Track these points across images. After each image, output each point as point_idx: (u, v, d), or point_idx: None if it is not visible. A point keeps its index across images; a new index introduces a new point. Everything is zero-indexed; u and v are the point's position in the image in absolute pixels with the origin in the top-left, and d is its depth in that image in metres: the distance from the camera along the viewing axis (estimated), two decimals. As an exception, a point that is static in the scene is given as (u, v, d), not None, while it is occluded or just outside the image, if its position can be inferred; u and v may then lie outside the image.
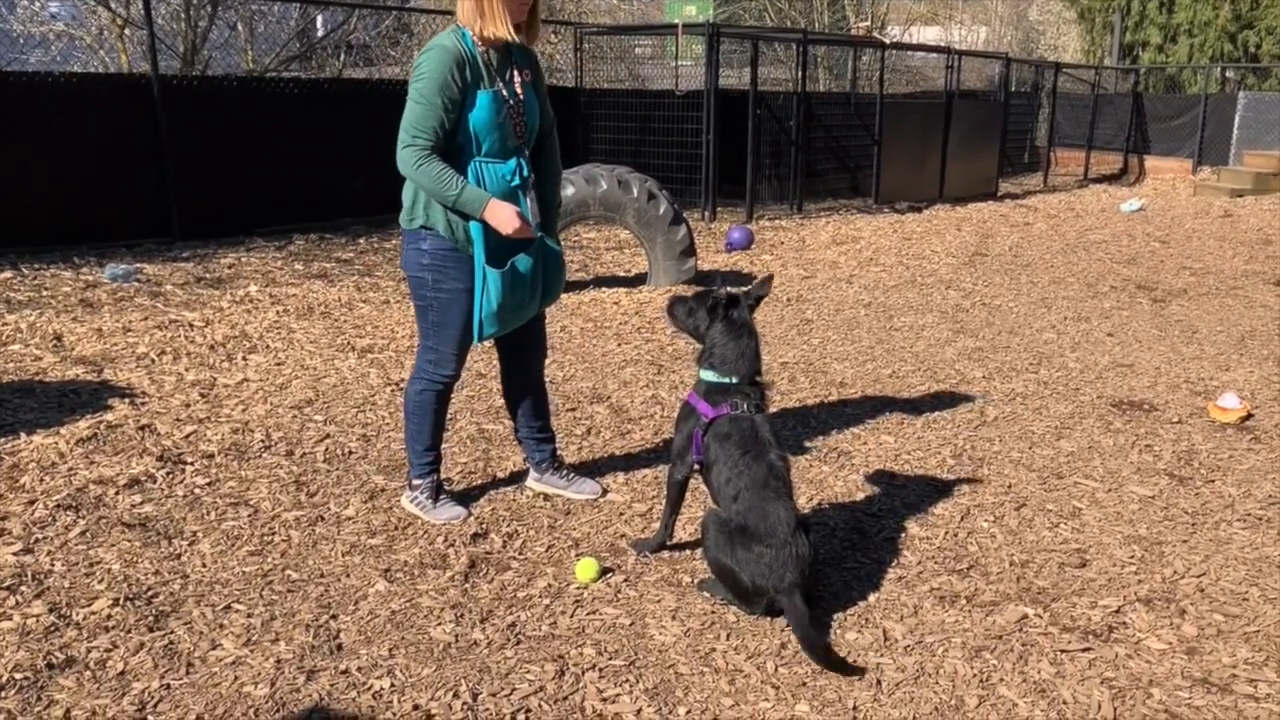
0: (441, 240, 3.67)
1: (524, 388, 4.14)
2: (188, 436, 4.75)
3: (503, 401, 4.28)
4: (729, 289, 3.56)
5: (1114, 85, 21.74)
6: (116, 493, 4.11)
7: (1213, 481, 4.62)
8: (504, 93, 3.66)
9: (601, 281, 8.77)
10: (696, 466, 3.54)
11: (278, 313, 7.09)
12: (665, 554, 3.76)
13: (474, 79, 3.57)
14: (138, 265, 8.23)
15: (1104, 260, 10.69)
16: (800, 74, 13.33)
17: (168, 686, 2.88)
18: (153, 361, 5.88)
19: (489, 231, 3.65)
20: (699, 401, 3.53)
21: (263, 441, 4.73)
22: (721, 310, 3.54)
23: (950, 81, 15.40)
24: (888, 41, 15.40)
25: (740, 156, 12.48)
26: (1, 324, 6.38)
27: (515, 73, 3.72)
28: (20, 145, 8.41)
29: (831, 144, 14.31)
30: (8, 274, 7.70)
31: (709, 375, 3.54)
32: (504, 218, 3.59)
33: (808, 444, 4.95)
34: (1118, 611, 3.45)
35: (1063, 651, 3.20)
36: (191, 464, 4.44)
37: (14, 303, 6.98)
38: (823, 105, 14.62)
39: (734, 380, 3.50)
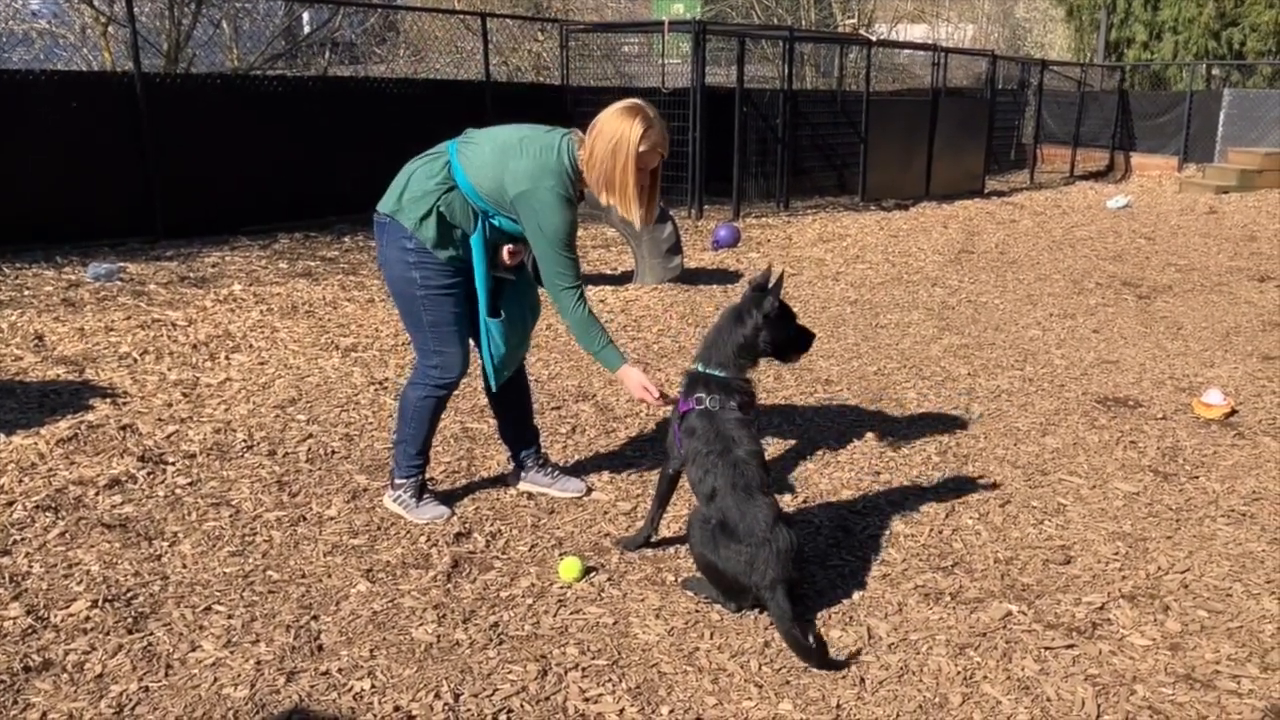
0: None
1: (507, 386, 4.12)
2: (169, 436, 4.72)
3: (486, 400, 4.25)
4: (760, 278, 3.58)
5: (1100, 82, 21.79)
6: (96, 493, 4.07)
7: (1197, 477, 4.63)
8: None
9: (588, 279, 8.73)
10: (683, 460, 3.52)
11: (261, 312, 7.05)
12: (649, 553, 3.75)
13: None
14: (121, 264, 8.18)
15: (1090, 257, 10.70)
16: (787, 72, 13.32)
17: (146, 689, 2.85)
18: (135, 361, 5.84)
19: (487, 279, 3.69)
20: (681, 395, 3.53)
21: (245, 441, 4.70)
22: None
23: (937, 79, 15.41)
24: (874, 39, 15.40)
25: (727, 154, 12.47)
26: (-18, 324, 6.34)
27: None
28: (2, 144, 8.34)
29: (818, 142, 14.32)
30: (-11, 273, 7.65)
31: (694, 365, 3.54)
32: (638, 387, 3.70)
33: (793, 441, 4.94)
34: (1102, 608, 3.45)
35: (1047, 648, 3.19)
36: (173, 464, 4.41)
37: (-5, 302, 6.93)
38: (809, 103, 14.64)
39: (699, 367, 3.49)
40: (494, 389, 3.96)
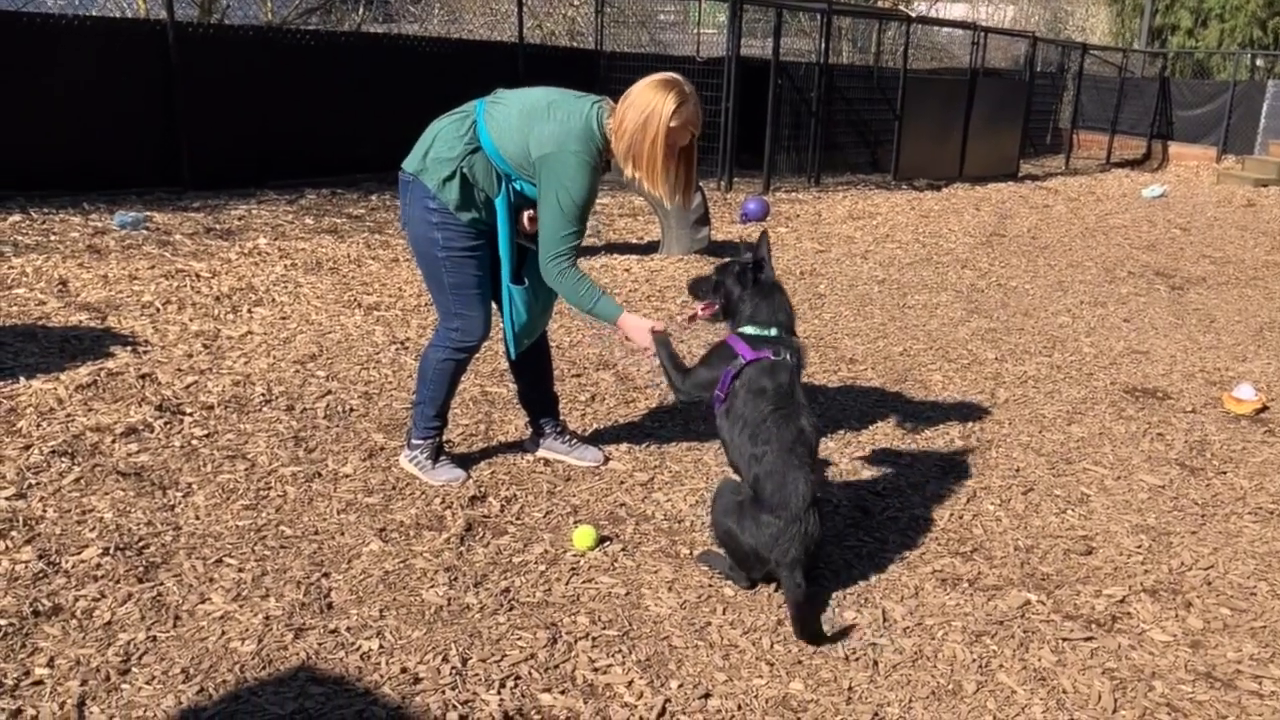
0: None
1: (528, 351, 4.07)
2: (188, 387, 4.70)
3: (507, 364, 4.21)
4: (750, 254, 3.49)
5: (1141, 69, 21.45)
6: (113, 441, 4.06)
7: (1224, 473, 4.55)
8: None
9: (613, 248, 8.67)
10: (715, 405, 3.39)
11: (285, 266, 7.02)
12: (664, 525, 3.71)
13: None
14: (147, 213, 8.16)
15: (1123, 245, 10.55)
16: (823, 46, 13.14)
17: (154, 638, 2.84)
18: (157, 310, 5.83)
19: (512, 245, 3.62)
20: (738, 343, 3.38)
21: (263, 395, 4.68)
22: (750, 275, 3.46)
23: (975, 59, 15.19)
24: (913, 15, 15.19)
25: (759, 127, 12.34)
26: (7, 267, 6.33)
27: None
28: (34, 88, 8.32)
29: (852, 117, 14.14)
30: (17, 217, 7.64)
31: (748, 329, 3.41)
32: (640, 330, 3.60)
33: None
34: (1122, 601, 3.39)
35: (1064, 640, 3.14)
36: (190, 415, 4.39)
37: (21, 246, 6.92)
38: (845, 78, 14.44)
39: (773, 332, 3.39)
40: (513, 357, 3.91)
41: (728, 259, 3.60)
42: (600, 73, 12.48)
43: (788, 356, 3.34)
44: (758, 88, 12.20)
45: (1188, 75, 22.28)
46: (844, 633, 3.09)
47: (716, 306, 3.57)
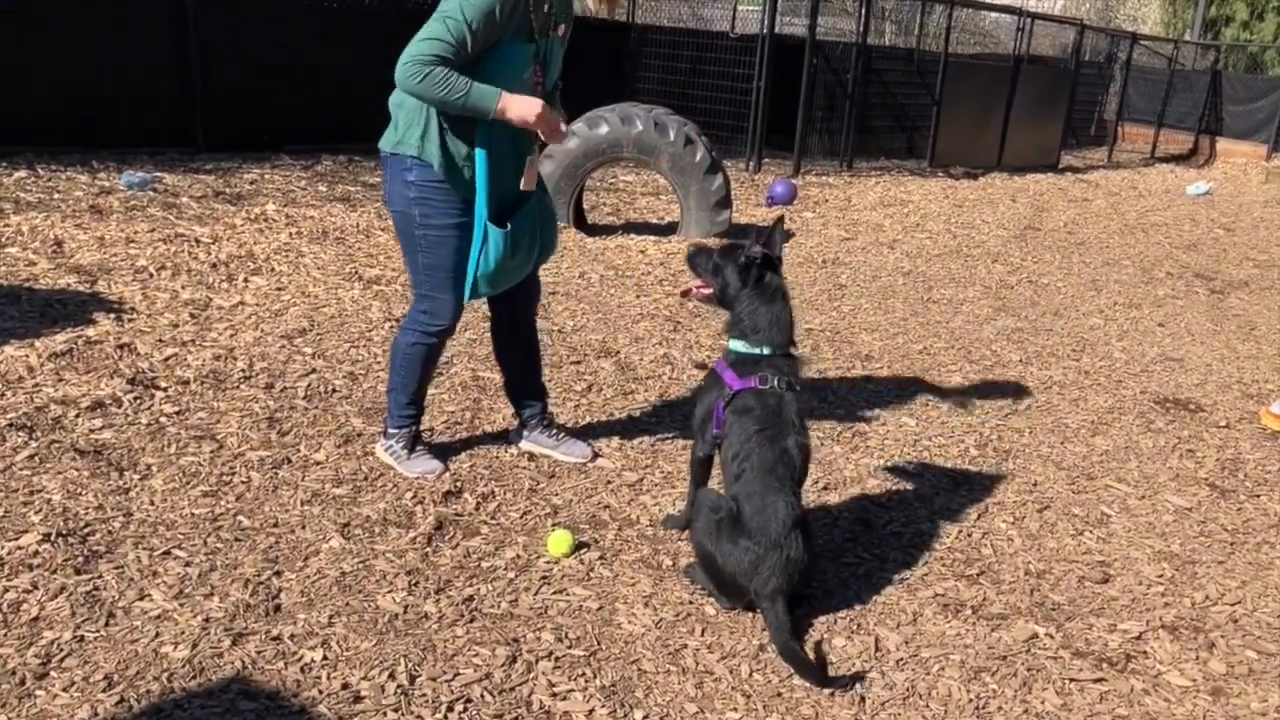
0: (431, 171, 3.34)
1: (515, 336, 3.84)
2: (166, 359, 4.50)
3: (494, 352, 3.96)
4: (760, 247, 3.19)
5: (1192, 61, 20.82)
6: (77, 415, 3.86)
7: (1258, 496, 4.25)
8: (540, 47, 3.35)
9: (631, 228, 8.40)
10: (717, 443, 3.18)
11: (290, 234, 6.81)
12: (649, 532, 3.47)
13: (518, 27, 3.25)
14: (156, 174, 7.98)
15: (1163, 244, 10.17)
16: (862, 25, 12.76)
17: (81, 639, 2.63)
18: (150, 276, 5.63)
19: (494, 186, 3.33)
20: (725, 370, 3.15)
21: (243, 371, 4.47)
22: (755, 272, 3.16)
23: (1020, 45, 14.74)
24: (958, -2, 14.73)
25: (792, 107, 11.98)
26: (3, 225, 6.15)
27: (556, 26, 3.42)
28: (46, 42, 8.13)
29: (889, 101, 13.73)
30: (22, 173, 7.47)
31: (738, 345, 3.16)
32: (526, 108, 3.22)
33: (821, 420, 4.61)
34: (1139, 638, 3.12)
35: (1072, 680, 2.88)
36: (164, 390, 4.19)
37: (22, 203, 6.74)
38: (884, 59, 14.02)
39: (765, 351, 3.13)
40: (465, 299, 3.53)
41: (735, 242, 3.31)
42: (630, 45, 12.18)
43: (775, 383, 3.07)
44: (793, 67, 11.84)
45: (1241, 69, 21.64)
46: (860, 675, 2.81)
47: (712, 291, 3.30)
